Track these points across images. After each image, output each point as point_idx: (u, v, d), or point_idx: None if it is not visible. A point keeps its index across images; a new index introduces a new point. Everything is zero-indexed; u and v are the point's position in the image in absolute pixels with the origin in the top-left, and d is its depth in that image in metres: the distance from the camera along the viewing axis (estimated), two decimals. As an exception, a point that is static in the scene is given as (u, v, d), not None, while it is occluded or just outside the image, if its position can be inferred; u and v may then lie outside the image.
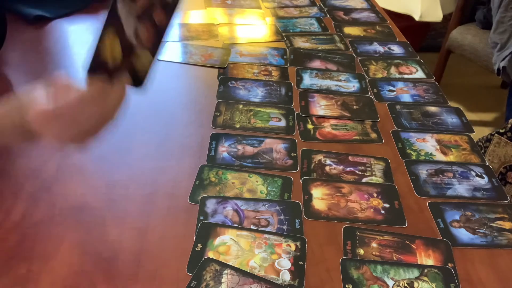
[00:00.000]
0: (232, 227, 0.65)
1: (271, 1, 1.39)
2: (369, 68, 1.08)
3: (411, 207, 0.71)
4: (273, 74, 1.03)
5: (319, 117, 0.89)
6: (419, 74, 1.06)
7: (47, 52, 1.06)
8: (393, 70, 1.07)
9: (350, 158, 0.79)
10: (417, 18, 2.29)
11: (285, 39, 1.18)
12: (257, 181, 0.73)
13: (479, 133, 1.17)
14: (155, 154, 0.78)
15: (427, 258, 0.62)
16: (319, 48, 1.14)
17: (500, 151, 1.19)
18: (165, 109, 0.90)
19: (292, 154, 0.79)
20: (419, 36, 2.59)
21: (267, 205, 0.68)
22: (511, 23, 1.79)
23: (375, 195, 0.72)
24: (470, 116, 1.71)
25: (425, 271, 0.60)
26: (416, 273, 0.60)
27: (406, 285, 0.58)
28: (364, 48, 1.16)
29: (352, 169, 0.77)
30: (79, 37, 1.11)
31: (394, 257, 0.62)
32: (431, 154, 0.82)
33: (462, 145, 0.85)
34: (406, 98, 0.98)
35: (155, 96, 0.93)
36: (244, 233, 0.64)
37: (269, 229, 0.65)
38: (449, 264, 0.62)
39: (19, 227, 0.63)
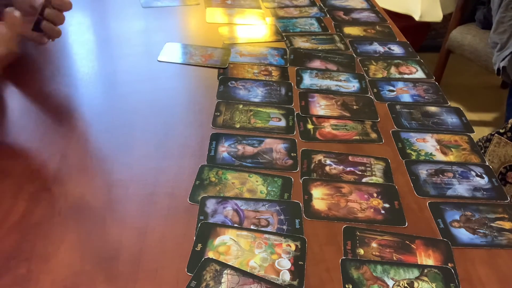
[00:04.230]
0: (232, 227, 0.65)
1: (271, 1, 1.39)
2: (369, 68, 1.08)
3: (411, 207, 0.71)
4: (273, 74, 1.03)
5: (319, 117, 0.89)
6: (419, 74, 1.06)
7: (48, 52, 1.06)
8: (393, 70, 1.07)
9: (350, 158, 0.79)
10: (417, 18, 2.29)
11: (285, 39, 1.18)
12: (257, 181, 0.73)
13: (479, 133, 1.17)
14: (155, 154, 0.78)
15: (427, 258, 0.62)
16: (319, 48, 1.14)
17: (500, 151, 1.19)
18: (165, 109, 0.90)
19: (292, 154, 0.79)
20: (419, 36, 2.59)
21: (267, 205, 0.68)
22: (511, 23, 1.79)
23: (375, 195, 0.72)
24: (470, 116, 1.71)
25: (425, 271, 0.60)
26: (416, 273, 0.60)
27: (406, 285, 0.59)
28: (364, 48, 1.16)
29: (352, 169, 0.77)
30: (79, 37, 1.11)
31: (394, 257, 0.62)
32: (431, 154, 0.82)
33: (462, 145, 0.85)
34: (406, 98, 0.98)
35: (155, 96, 0.93)
36: (244, 233, 0.64)
37: (269, 229, 0.65)
38: (449, 264, 0.62)
39: (19, 227, 0.63)
